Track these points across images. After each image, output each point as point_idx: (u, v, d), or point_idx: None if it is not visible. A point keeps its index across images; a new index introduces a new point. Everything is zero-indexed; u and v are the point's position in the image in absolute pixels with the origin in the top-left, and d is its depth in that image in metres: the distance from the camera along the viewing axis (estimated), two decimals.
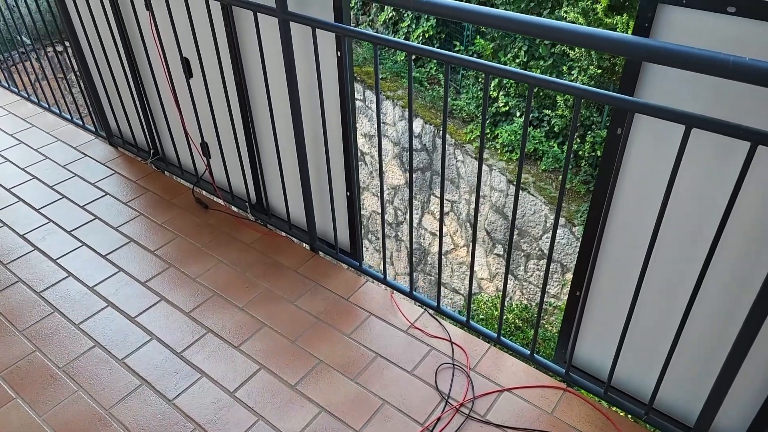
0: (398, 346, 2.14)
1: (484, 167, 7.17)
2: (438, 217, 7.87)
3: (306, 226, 2.54)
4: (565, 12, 6.42)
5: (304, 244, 2.63)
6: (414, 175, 8.08)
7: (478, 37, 7.50)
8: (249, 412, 1.94)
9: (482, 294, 7.73)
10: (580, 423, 1.87)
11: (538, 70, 6.95)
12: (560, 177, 6.77)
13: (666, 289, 1.70)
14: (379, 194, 8.73)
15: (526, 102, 1.69)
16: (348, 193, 2.38)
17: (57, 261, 2.56)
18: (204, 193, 3.01)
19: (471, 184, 7.45)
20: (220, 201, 2.90)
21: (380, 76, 8.42)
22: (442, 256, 8.52)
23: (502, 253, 7.47)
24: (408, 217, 8.34)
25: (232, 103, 2.50)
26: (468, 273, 7.94)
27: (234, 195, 2.87)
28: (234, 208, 2.88)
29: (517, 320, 7.01)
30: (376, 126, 8.39)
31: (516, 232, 7.17)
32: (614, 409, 1.97)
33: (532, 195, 6.85)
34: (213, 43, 2.33)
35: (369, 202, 8.83)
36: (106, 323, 2.26)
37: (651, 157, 1.56)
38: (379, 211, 8.79)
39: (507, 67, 1.61)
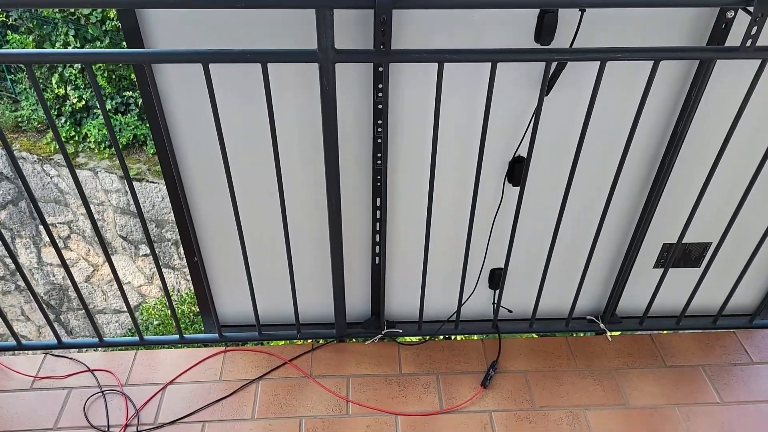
0: (26, 409, 1.77)
1: (87, 172, 6.43)
2: (54, 246, 6.83)
3: None
4: None
5: None
6: (6, 211, 6.72)
7: (10, 32, 6.42)
8: None
9: (147, 300, 7.20)
10: (248, 371, 1.91)
11: None
12: None
13: (262, 226, 1.80)
14: None
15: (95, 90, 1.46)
16: None
17: None
18: None
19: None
20: None
21: None
22: (85, 283, 7.43)
23: (149, 252, 7.00)
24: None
25: None
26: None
27: None
28: None
29: (193, 307, 6.81)
30: None
31: (154, 224, 6.78)
32: (273, 343, 2.06)
33: (152, 182, 6.50)
34: None
35: None
36: None
37: (189, 97, 1.56)
38: None
39: None
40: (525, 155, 1.68)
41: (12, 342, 1.90)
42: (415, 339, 2.08)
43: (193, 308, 6.81)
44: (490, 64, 1.41)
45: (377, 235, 1.85)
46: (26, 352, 1.93)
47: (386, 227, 1.80)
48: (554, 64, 1.45)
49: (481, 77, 1.53)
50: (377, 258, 1.91)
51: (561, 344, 2.01)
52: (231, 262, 1.88)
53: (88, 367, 1.88)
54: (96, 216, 6.72)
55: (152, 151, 6.64)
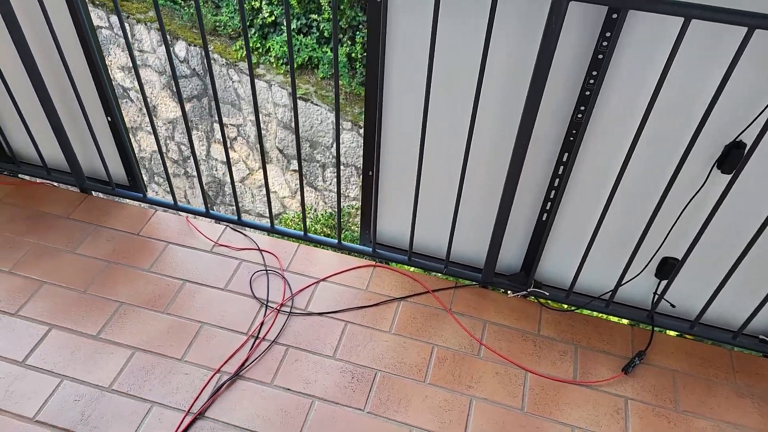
0: (205, 267, 2.01)
1: (262, 83, 6.92)
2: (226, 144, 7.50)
3: (68, 167, 2.18)
4: None
5: (71, 187, 2.27)
6: (190, 104, 7.48)
7: None
8: (49, 375, 1.69)
9: (287, 212, 7.73)
10: (392, 290, 1.99)
11: None
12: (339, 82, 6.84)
13: (442, 159, 1.82)
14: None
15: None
16: (109, 119, 2.08)
17: None
18: None
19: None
20: None
21: None
22: (239, 183, 8.12)
23: (298, 168, 7.46)
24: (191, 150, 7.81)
25: None
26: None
27: None
28: None
29: (325, 229, 7.20)
30: (136, 56, 7.47)
31: (308, 144, 7.18)
32: (419, 270, 2.12)
33: (316, 104, 6.84)
34: None
35: (147, 142, 8.03)
36: None
37: (411, 26, 1.59)
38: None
39: None
40: (746, 141, 1.52)
41: (202, 208, 2.15)
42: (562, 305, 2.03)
43: (324, 230, 7.19)
44: (745, 29, 1.26)
45: (552, 191, 1.80)
46: (210, 220, 2.18)
47: (566, 185, 1.74)
48: None
49: (719, 43, 1.39)
50: (545, 215, 1.86)
51: (722, 355, 1.86)
52: (400, 185, 1.94)
53: (258, 246, 2.08)
54: (261, 125, 7.26)
55: (321, 75, 6.94)
